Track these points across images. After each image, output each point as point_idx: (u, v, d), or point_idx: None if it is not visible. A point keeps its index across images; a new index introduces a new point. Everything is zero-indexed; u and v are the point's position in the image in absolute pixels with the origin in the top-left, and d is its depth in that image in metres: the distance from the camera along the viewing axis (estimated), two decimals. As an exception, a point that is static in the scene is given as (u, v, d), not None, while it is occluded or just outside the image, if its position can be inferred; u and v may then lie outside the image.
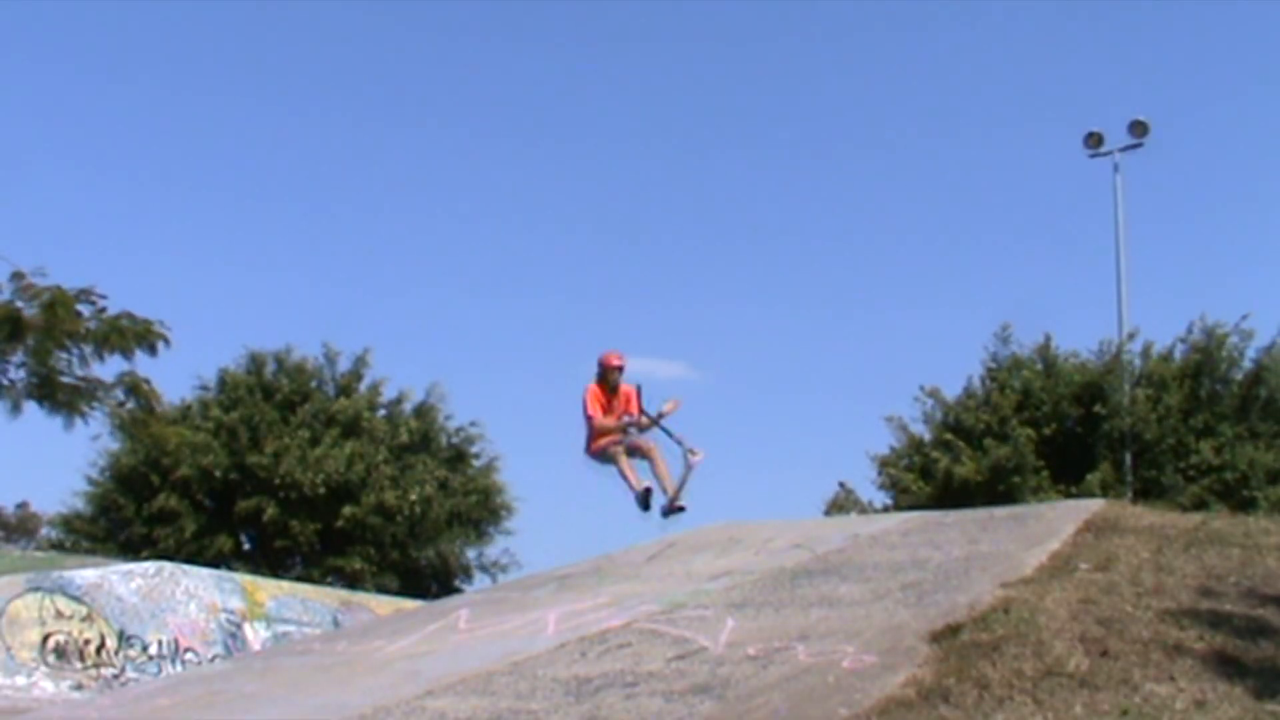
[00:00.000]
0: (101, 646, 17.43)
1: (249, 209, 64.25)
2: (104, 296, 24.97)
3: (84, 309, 24.29)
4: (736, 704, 6.88)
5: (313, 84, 68.44)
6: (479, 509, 32.49)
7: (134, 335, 24.24)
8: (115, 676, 17.14)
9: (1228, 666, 6.78)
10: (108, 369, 24.68)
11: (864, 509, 25.81)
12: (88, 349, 24.11)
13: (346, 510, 29.36)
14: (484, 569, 33.22)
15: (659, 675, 7.76)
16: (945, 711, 6.16)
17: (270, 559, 30.23)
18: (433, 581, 31.45)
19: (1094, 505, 11.77)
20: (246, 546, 31.06)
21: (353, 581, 28.95)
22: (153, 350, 24.74)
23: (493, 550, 33.45)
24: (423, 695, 8.35)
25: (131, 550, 28.36)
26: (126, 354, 24.48)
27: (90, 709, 10.33)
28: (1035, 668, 6.72)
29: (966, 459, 23.70)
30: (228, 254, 63.19)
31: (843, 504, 27.16)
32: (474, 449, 33.39)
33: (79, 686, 16.37)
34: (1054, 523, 10.78)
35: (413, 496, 30.08)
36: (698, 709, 6.90)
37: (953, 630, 7.45)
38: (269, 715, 8.78)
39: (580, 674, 8.15)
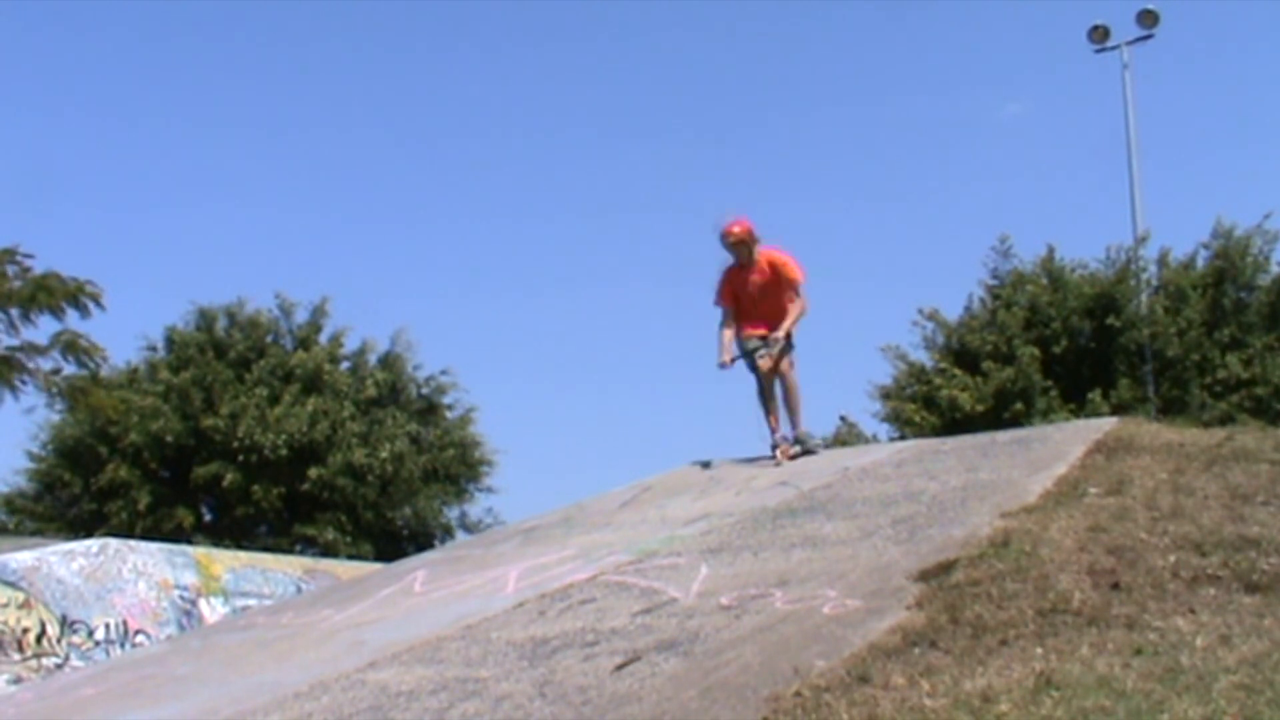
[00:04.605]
0: (42, 635, 17.07)
1: (184, 153, 62.65)
2: (30, 256, 24.60)
3: (9, 269, 23.99)
4: (704, 659, 6.55)
5: (247, 18, 67.09)
6: (456, 464, 32.29)
7: (64, 295, 23.86)
8: (59, 666, 16.78)
9: (1254, 596, 6.41)
10: (40, 333, 24.34)
11: (867, 444, 25.50)
12: (14, 313, 23.83)
13: (312, 472, 29.10)
14: (466, 529, 33.08)
15: (622, 632, 7.44)
16: (934, 658, 5.80)
17: (234, 529, 29.98)
18: (410, 545, 31.25)
19: (1105, 424, 11.42)
20: (208, 517, 30.83)
21: (326, 552, 28.73)
22: (85, 311, 24.44)
23: (476, 510, 33.34)
24: (365, 667, 8.08)
25: (82, 529, 28.09)
26: (57, 315, 24.14)
27: (8, 705, 10.01)
28: (1037, 605, 6.36)
29: (960, 389, 23.37)
30: (165, 203, 61.63)
31: (845, 439, 26.92)
32: (447, 400, 33.21)
33: (18, 680, 16.01)
34: (1061, 445, 10.43)
35: (383, 454, 29.87)
36: (661, 668, 6.57)
37: (945, 567, 7.11)
38: (198, 700, 8.47)
39: (537, 635, 7.84)
